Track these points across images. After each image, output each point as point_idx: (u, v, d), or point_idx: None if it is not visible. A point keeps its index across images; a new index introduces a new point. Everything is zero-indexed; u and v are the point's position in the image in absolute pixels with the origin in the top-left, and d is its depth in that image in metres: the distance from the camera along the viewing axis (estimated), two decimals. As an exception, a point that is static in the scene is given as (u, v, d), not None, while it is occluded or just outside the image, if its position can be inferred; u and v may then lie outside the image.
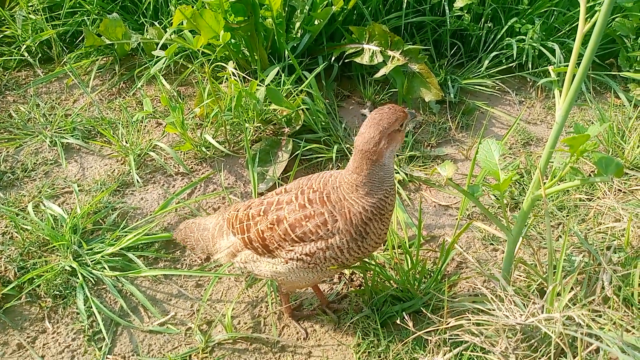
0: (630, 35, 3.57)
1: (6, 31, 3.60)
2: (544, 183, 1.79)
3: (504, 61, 3.63)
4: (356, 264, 2.09)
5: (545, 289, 2.08)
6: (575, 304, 1.84)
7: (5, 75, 3.52)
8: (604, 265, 1.85)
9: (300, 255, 1.89)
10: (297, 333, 2.22)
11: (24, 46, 3.58)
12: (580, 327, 1.59)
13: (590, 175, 2.85)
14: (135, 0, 3.71)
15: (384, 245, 2.47)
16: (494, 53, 3.60)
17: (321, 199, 1.86)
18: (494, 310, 1.80)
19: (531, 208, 1.89)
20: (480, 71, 3.59)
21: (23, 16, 3.61)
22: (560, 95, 1.71)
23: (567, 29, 3.63)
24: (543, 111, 3.47)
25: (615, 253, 2.15)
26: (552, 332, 1.60)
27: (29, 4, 3.64)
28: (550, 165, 2.81)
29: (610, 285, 1.83)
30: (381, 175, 1.82)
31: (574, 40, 3.48)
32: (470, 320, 1.82)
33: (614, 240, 2.27)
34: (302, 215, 1.86)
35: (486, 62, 3.58)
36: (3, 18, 3.63)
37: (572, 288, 1.80)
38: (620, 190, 2.69)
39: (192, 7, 3.11)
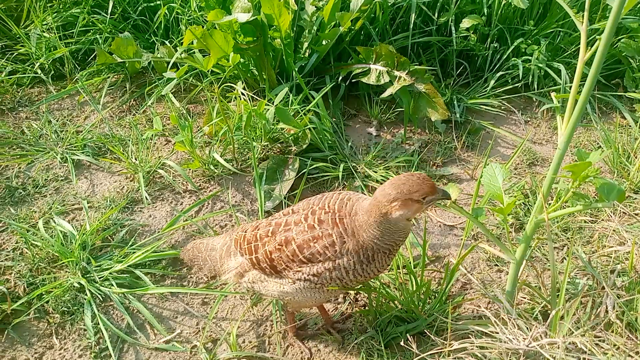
0: (636, 56, 3.59)
1: (20, 49, 3.68)
2: (547, 206, 1.80)
3: (509, 81, 3.65)
4: (359, 287, 2.11)
5: (549, 311, 2.09)
6: (579, 328, 1.85)
7: (18, 92, 3.60)
8: (608, 290, 1.86)
9: (307, 275, 1.92)
10: (302, 353, 2.24)
11: (38, 63, 3.65)
12: (583, 352, 1.60)
13: (595, 197, 2.86)
14: (147, 20, 3.78)
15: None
16: (500, 73, 3.63)
17: (333, 220, 1.88)
18: (497, 333, 1.81)
19: (534, 232, 1.91)
20: (486, 91, 3.61)
21: (37, 34, 3.69)
22: (563, 122, 1.74)
23: (573, 49, 3.66)
24: (549, 131, 3.49)
25: (619, 277, 2.16)
26: (554, 358, 1.60)
27: (44, 23, 3.72)
28: (555, 187, 2.83)
29: (614, 309, 1.83)
30: (389, 227, 1.83)
31: (579, 61, 3.52)
32: (473, 343, 1.83)
33: (618, 264, 2.28)
34: (310, 236, 1.88)
35: (492, 82, 3.61)
36: (18, 36, 3.71)
37: (575, 312, 1.80)
38: (625, 213, 2.70)
39: (203, 27, 3.17)
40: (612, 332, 1.83)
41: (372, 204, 1.83)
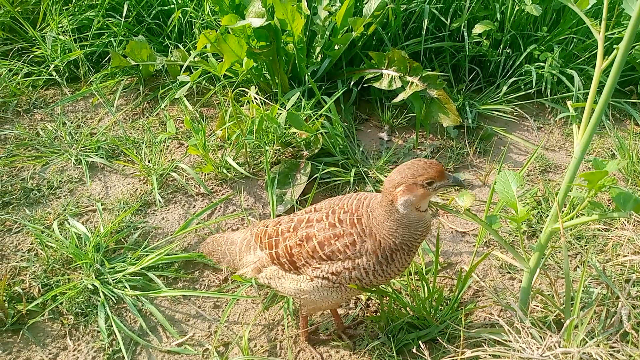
0: (651, 63, 3.57)
1: (36, 51, 3.73)
2: (562, 214, 1.80)
3: (522, 87, 3.65)
4: (373, 290, 2.11)
5: (562, 320, 2.08)
6: (593, 337, 1.84)
7: (33, 94, 3.64)
8: (622, 300, 1.85)
9: (326, 273, 1.92)
10: (313, 358, 2.24)
11: (53, 66, 3.69)
12: (597, 363, 1.59)
13: (609, 206, 2.84)
14: (161, 23, 3.81)
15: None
16: (513, 79, 3.62)
17: (351, 220, 1.88)
18: (510, 342, 1.80)
19: (549, 240, 1.90)
20: (498, 97, 3.61)
21: (53, 37, 3.73)
22: (579, 131, 1.73)
23: (587, 55, 3.65)
24: (561, 138, 3.47)
25: (634, 286, 2.14)
26: (569, 368, 1.60)
27: (59, 25, 3.76)
28: (569, 195, 2.81)
29: (629, 320, 1.82)
30: (400, 219, 1.81)
31: (593, 67, 3.51)
32: (486, 351, 1.82)
33: (633, 273, 2.26)
34: (331, 234, 1.89)
35: (504, 87, 3.61)
36: (34, 39, 3.76)
37: (589, 322, 1.79)
38: (640, 222, 2.68)
39: (216, 31, 3.19)
40: (628, 342, 1.82)
41: (382, 193, 1.84)
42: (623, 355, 1.71)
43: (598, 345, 1.67)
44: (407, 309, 2.26)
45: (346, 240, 1.87)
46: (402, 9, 3.52)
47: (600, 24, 1.66)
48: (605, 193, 2.96)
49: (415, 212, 1.83)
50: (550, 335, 1.74)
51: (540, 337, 1.84)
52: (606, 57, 1.67)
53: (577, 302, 1.81)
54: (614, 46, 1.60)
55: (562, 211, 1.83)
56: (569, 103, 1.83)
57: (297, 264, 1.96)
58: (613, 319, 1.94)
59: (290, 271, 2.01)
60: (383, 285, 2.25)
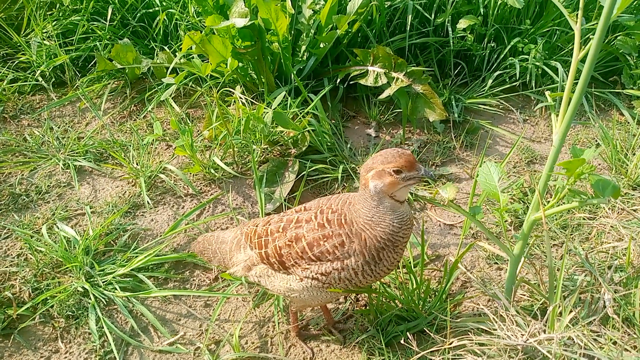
0: (633, 53, 3.61)
1: (21, 57, 3.72)
2: (544, 204, 1.82)
3: (507, 80, 3.68)
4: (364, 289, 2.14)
5: (548, 308, 2.11)
6: (577, 323, 1.86)
7: (20, 100, 3.63)
8: (605, 285, 1.88)
9: (315, 274, 1.94)
10: (304, 353, 2.26)
11: (39, 71, 3.68)
12: (579, 347, 1.62)
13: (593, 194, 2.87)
14: (146, 26, 3.82)
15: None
16: (498, 72, 3.65)
17: (339, 221, 1.90)
18: (495, 330, 1.83)
19: (532, 229, 1.93)
20: (484, 90, 3.64)
21: (38, 42, 3.73)
22: (557, 120, 1.76)
23: (570, 47, 3.67)
24: (547, 129, 3.51)
25: (617, 273, 2.17)
26: (551, 354, 1.62)
27: (44, 30, 3.76)
28: (554, 184, 2.84)
29: (611, 305, 1.85)
30: (375, 206, 1.84)
31: (576, 58, 3.54)
32: (472, 340, 1.85)
33: (616, 259, 2.30)
34: (320, 234, 1.90)
35: (490, 81, 3.64)
36: (19, 44, 3.75)
37: (572, 309, 1.82)
38: (623, 210, 2.71)
39: (201, 32, 3.20)
40: (610, 327, 1.85)
41: (360, 180, 1.88)
42: (605, 339, 1.74)
43: (581, 330, 1.70)
44: (396, 301, 2.28)
45: (335, 241, 1.89)
46: (386, 6, 3.54)
47: (577, 15, 1.68)
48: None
49: (389, 199, 1.84)
50: (534, 323, 1.77)
51: (525, 324, 1.87)
52: (583, 47, 1.70)
53: (559, 289, 1.84)
54: (591, 36, 1.62)
55: (547, 201, 1.86)
56: (547, 93, 1.86)
57: (286, 264, 1.98)
58: (597, 305, 1.97)
59: (280, 271, 2.02)
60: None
